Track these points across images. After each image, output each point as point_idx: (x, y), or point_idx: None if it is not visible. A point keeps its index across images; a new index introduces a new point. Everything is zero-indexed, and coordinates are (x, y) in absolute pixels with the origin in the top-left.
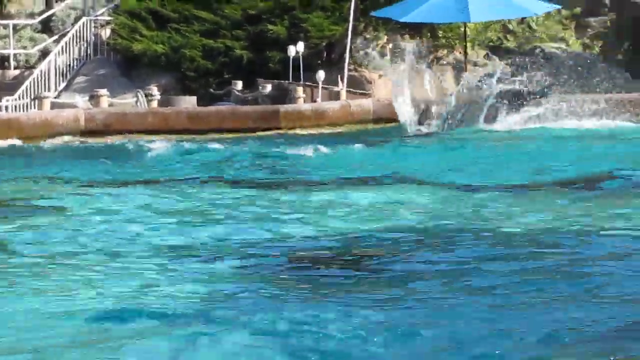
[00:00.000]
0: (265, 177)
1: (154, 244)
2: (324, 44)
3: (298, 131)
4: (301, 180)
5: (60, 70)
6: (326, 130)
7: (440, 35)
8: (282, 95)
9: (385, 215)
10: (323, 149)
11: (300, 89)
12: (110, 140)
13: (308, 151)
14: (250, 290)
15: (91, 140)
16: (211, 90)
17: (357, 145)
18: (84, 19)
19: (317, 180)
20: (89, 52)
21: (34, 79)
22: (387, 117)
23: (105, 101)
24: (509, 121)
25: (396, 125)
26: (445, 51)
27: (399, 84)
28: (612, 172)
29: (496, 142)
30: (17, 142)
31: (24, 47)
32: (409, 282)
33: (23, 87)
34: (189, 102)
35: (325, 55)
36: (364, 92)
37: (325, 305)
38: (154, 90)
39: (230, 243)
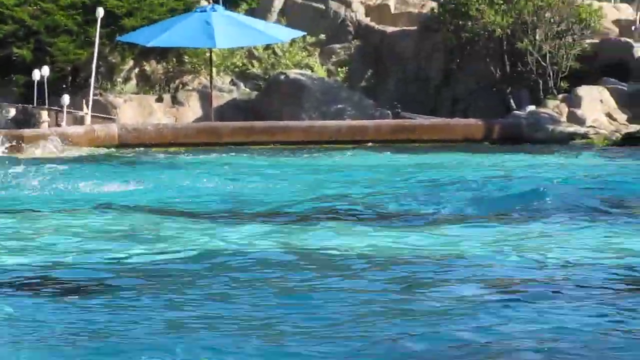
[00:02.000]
0: None
1: None
2: (69, 68)
3: (39, 154)
4: None
5: None
6: (70, 155)
7: (186, 61)
8: (27, 120)
9: None
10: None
11: (44, 113)
12: None
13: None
14: None
15: None
16: None
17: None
18: None
19: None
20: None
21: None
22: (132, 142)
23: None
24: None
25: (141, 150)
26: (190, 76)
27: None
28: None
29: None
30: None
31: None
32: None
33: None
34: None
35: (70, 79)
36: (109, 116)
37: None
38: None
39: None
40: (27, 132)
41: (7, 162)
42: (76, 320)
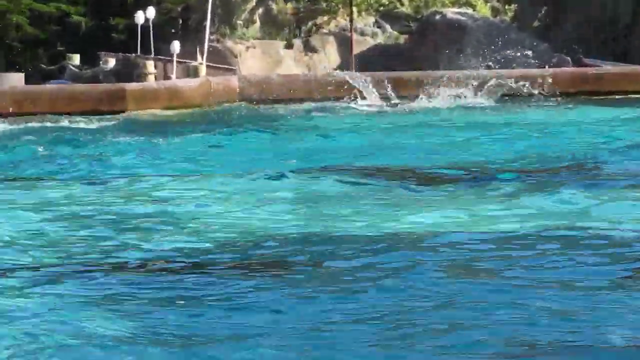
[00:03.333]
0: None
1: None
2: (179, 9)
3: (149, 112)
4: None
5: None
6: (184, 111)
7: None
8: (129, 72)
9: None
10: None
11: (150, 64)
12: None
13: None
14: None
15: None
16: (42, 65)
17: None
18: None
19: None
20: None
21: None
22: (256, 98)
23: None
24: None
25: (267, 106)
26: (326, 17)
27: None
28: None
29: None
30: None
31: None
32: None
33: None
34: (14, 80)
35: (181, 22)
36: (228, 67)
37: None
38: None
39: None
40: (130, 86)
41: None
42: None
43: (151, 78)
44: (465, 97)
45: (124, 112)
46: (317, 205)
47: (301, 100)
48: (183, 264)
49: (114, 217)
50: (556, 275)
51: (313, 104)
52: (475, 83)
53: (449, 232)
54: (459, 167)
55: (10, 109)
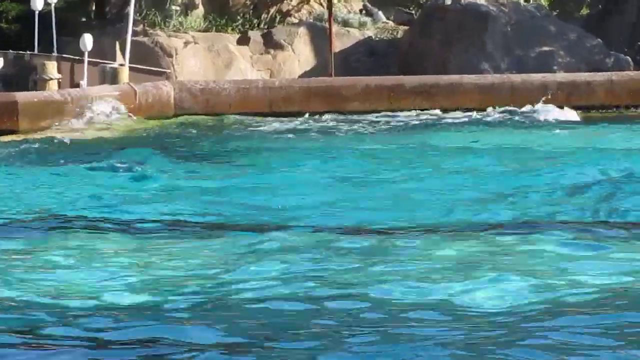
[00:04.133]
0: None
1: None
2: None
3: (49, 134)
4: None
5: None
6: (97, 135)
7: None
8: (23, 76)
9: None
10: None
11: (52, 65)
12: None
13: None
14: None
15: None
16: None
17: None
18: None
19: None
20: None
21: None
22: (199, 112)
23: None
24: None
25: (222, 120)
26: (295, 2)
27: None
28: None
29: None
30: None
31: None
32: None
33: None
34: None
35: (94, 8)
36: (160, 69)
37: None
38: None
39: None
40: (22, 97)
41: None
42: None
43: (53, 85)
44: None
45: (14, 132)
46: None
47: (260, 115)
48: None
49: None
50: None
51: (277, 124)
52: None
53: None
54: None
55: None
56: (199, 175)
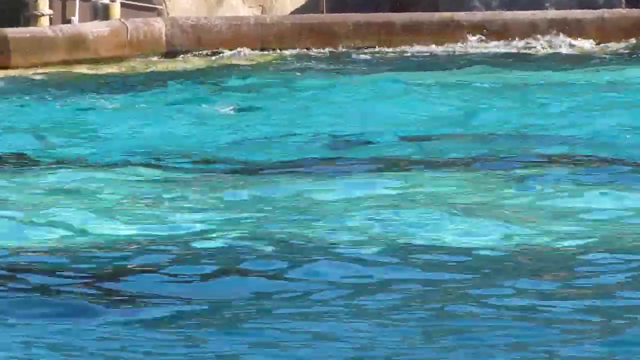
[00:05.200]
0: None
1: None
2: None
3: (40, 72)
4: None
5: None
6: (86, 70)
7: None
8: (14, 12)
9: None
10: None
11: (44, 2)
12: None
13: None
14: None
15: None
16: None
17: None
18: None
19: None
20: None
21: None
22: (190, 48)
23: None
24: None
25: (202, 58)
26: None
27: None
28: None
29: None
30: None
31: None
32: None
33: None
34: None
35: None
36: (151, 5)
37: None
38: None
39: None
40: (13, 32)
41: None
42: None
43: (45, 21)
44: None
45: (6, 68)
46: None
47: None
48: None
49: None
50: None
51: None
52: None
53: None
54: None
55: None
56: None
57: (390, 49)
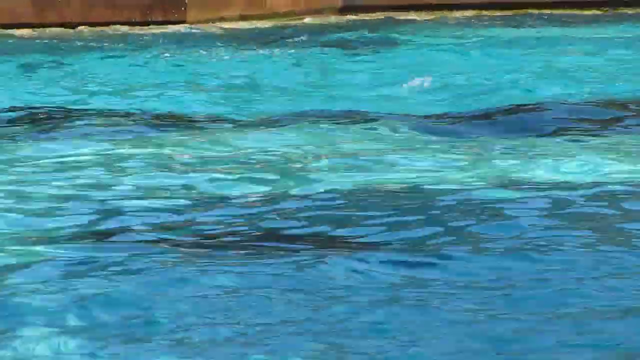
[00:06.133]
0: None
1: None
2: None
3: (218, 24)
4: None
5: None
6: (267, 24)
7: None
8: None
9: None
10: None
11: None
12: None
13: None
14: None
15: None
16: None
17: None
18: None
19: None
20: None
21: None
22: (364, 4)
23: None
24: None
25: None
26: None
27: None
28: None
29: None
30: None
31: None
32: None
33: None
34: None
35: None
36: None
37: None
38: None
39: None
40: None
41: None
42: None
43: None
44: None
45: (182, 22)
46: None
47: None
48: None
49: None
50: None
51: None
52: None
53: None
54: None
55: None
56: None
57: None
